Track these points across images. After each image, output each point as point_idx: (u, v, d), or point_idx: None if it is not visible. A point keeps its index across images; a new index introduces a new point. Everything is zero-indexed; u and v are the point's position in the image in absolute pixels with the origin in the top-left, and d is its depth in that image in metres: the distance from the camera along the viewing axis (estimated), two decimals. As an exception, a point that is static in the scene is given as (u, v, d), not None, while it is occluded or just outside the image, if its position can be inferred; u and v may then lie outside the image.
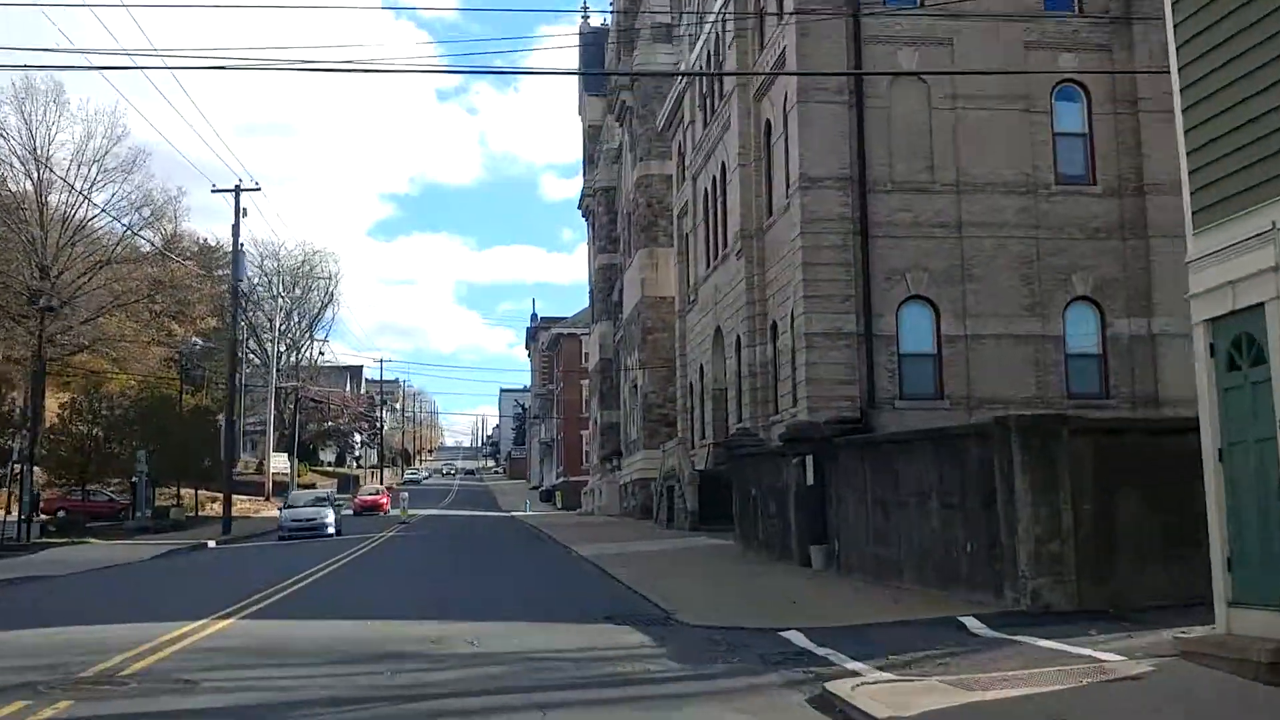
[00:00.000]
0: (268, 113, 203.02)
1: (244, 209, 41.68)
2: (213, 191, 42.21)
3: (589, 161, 64.51)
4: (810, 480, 18.41)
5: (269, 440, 67.30)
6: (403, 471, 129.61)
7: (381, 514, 54.66)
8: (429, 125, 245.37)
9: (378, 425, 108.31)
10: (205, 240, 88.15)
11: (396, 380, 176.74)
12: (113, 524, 45.78)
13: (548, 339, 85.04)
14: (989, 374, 26.51)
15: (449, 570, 22.86)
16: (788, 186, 28.01)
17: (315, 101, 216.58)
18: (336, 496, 58.51)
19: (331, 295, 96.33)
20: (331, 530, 39.10)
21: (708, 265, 36.25)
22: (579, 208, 67.19)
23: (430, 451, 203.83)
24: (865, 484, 16.56)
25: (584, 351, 79.47)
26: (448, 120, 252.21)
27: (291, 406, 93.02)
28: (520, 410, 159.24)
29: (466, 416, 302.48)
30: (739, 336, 31.75)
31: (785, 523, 19.66)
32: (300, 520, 39.83)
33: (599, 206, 61.86)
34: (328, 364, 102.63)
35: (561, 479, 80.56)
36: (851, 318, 26.22)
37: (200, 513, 54.96)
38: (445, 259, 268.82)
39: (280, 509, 42.01)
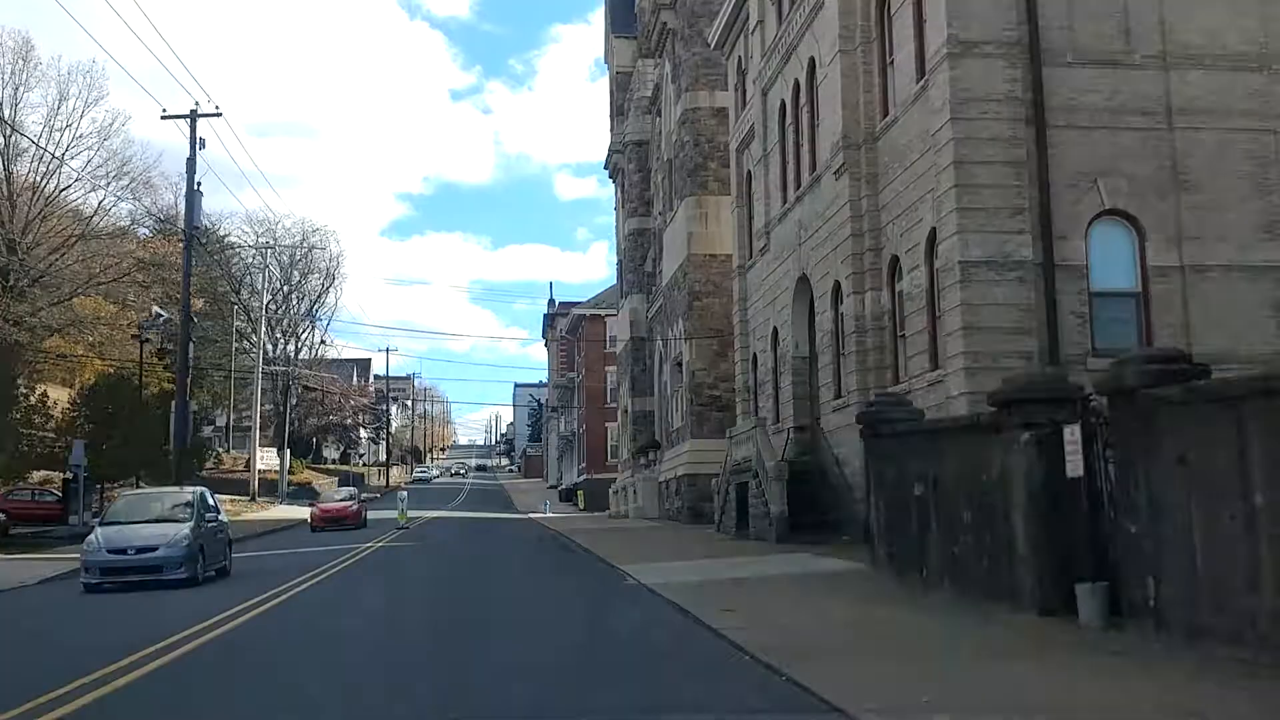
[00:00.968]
0: (283, 113, 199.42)
1: (202, 140, 33.81)
2: (162, 118, 33.11)
3: (616, 114, 56.65)
4: (1074, 470, 10.49)
5: (254, 432, 59.66)
6: (411, 469, 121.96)
7: (350, 525, 41.81)
8: (442, 125, 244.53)
9: (384, 419, 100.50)
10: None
11: (409, 377, 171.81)
12: (51, 529, 38.20)
13: (567, 323, 77.21)
14: (1216, 319, 18.57)
15: (435, 632, 12.71)
16: (922, 64, 20.06)
17: (330, 102, 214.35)
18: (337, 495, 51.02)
19: (333, 277, 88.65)
20: (182, 571, 19.13)
21: (785, 200, 28.30)
22: (605, 167, 59.32)
23: (443, 450, 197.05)
24: (1231, 475, 8.62)
25: (608, 335, 71.65)
26: (461, 120, 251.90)
27: (290, 397, 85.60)
28: (536, 406, 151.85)
29: (480, 415, 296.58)
30: (838, 283, 23.81)
31: (1000, 541, 11.75)
32: (122, 551, 19.26)
33: (629, 164, 53.98)
34: (334, 358, 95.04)
35: (584, 477, 72.70)
36: (1023, 240, 18.29)
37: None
38: (459, 259, 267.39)
39: (96, 524, 21.96)
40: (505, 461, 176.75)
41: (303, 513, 53.43)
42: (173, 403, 34.90)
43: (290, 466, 72.76)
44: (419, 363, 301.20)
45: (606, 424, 71.19)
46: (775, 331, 28.87)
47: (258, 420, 58.46)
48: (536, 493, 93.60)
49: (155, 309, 38.60)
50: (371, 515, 51.94)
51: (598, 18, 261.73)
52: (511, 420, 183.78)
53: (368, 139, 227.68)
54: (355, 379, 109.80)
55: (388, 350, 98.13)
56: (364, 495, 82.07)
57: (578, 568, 22.22)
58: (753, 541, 24.40)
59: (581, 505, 68.88)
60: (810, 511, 23.29)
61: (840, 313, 24.03)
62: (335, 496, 47.54)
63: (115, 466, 38.61)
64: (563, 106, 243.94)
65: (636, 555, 22.50)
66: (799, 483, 23.68)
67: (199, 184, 32.40)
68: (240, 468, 71.03)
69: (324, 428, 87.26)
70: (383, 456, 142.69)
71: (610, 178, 59.26)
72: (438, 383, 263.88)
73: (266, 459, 70.77)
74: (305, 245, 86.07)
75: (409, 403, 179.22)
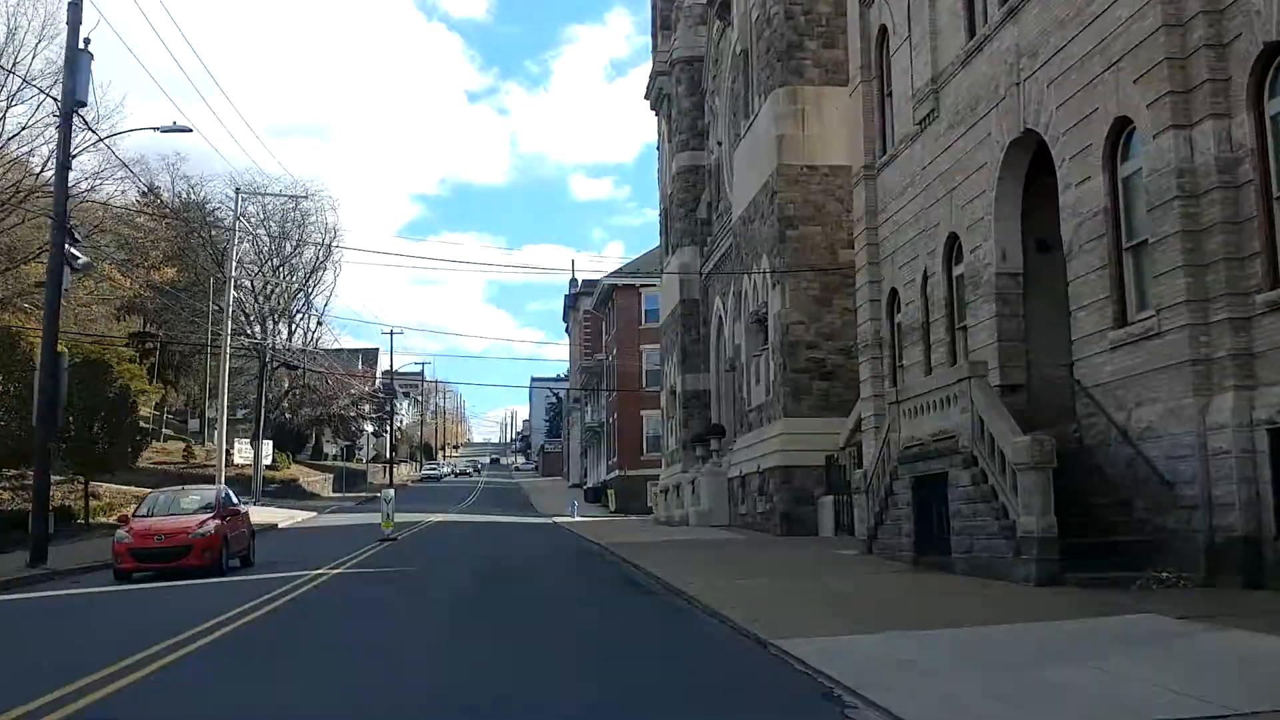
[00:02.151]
0: (301, 115, 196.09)
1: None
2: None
3: (661, 29, 46.35)
4: None
5: (221, 419, 49.51)
6: (420, 466, 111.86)
7: (194, 566, 19.84)
8: (459, 127, 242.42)
9: (387, 410, 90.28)
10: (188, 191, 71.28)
11: (421, 371, 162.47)
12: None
13: (594, 297, 66.85)
14: None
15: None
16: None
17: (347, 104, 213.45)
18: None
19: (330, 251, 78.47)
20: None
21: (973, 33, 17.96)
22: (646, 98, 48.99)
23: (456, 447, 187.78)
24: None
25: (643, 308, 61.42)
26: (478, 121, 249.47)
27: (285, 383, 75.60)
28: (554, 400, 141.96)
29: (495, 415, 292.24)
30: (1121, 122, 13.47)
31: None
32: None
33: (677, 87, 43.64)
34: (336, 348, 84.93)
35: (615, 473, 62.42)
36: None
37: (106, 518, 37.41)
38: (475, 258, 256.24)
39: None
40: (521, 460, 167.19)
41: (278, 516, 43.43)
42: (145, 388, 24.56)
43: (274, 461, 62.66)
44: (433, 362, 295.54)
45: (642, 411, 60.93)
46: (956, 245, 18.48)
47: (224, 404, 48.47)
48: (557, 492, 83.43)
49: (79, 257, 28.37)
50: (355, 520, 41.53)
51: (614, 18, 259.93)
52: (528, 417, 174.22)
53: (385, 140, 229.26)
54: (361, 368, 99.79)
55: (392, 332, 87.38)
56: (365, 494, 72.26)
57: (687, 640, 11.45)
58: (962, 578, 13.96)
59: (612, 506, 58.70)
60: (1083, 526, 12.93)
61: (1123, 178, 13.68)
62: (181, 502, 22.57)
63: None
64: (579, 107, 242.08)
65: (771, 597, 12.18)
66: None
67: (87, 41, 22.17)
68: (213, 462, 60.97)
69: (319, 419, 77.24)
70: (390, 453, 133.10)
71: (652, 109, 48.96)
72: (453, 386, 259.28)
73: (246, 453, 60.71)
74: (295, 207, 75.94)
75: (420, 398, 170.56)
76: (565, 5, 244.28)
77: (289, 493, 59.93)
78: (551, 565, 21.95)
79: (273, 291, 76.56)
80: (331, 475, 72.95)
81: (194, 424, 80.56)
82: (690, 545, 25.29)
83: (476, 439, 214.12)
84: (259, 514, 45.27)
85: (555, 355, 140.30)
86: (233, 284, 48.18)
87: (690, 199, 42.99)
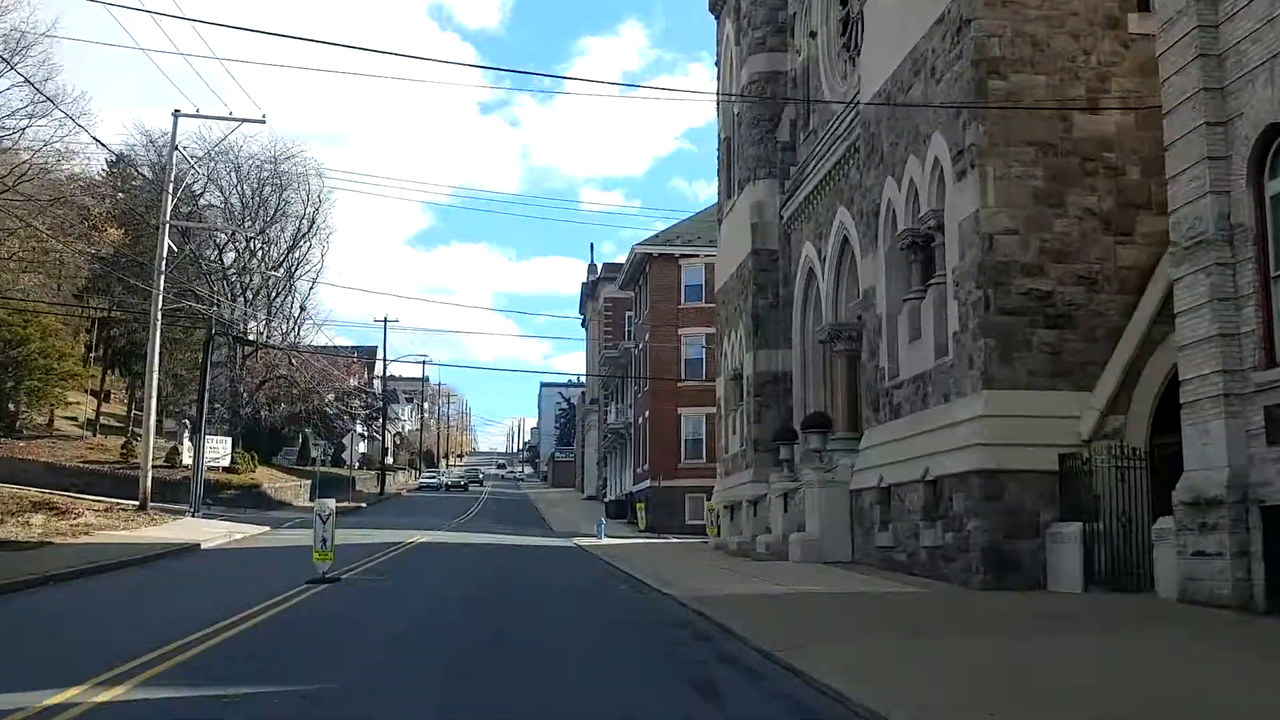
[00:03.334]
0: (315, 124, 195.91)
1: None
2: None
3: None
4: None
5: (149, 405, 38.51)
6: (418, 474, 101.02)
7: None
8: (471, 138, 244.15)
9: (379, 409, 79.30)
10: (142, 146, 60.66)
11: (424, 373, 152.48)
12: None
13: (623, 274, 55.69)
14: None
15: None
16: None
17: (361, 113, 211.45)
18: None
19: (314, 224, 67.78)
20: None
21: None
22: (705, -1, 38.07)
23: (460, 456, 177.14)
24: None
25: (684, 282, 50.60)
26: (490, 133, 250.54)
27: (257, 372, 64.67)
28: (567, 406, 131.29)
29: (502, 426, 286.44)
30: None
31: None
32: None
33: (751, -27, 32.85)
34: (327, 344, 74.12)
35: (646, 484, 51.47)
36: None
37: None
38: (484, 269, 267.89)
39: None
40: (529, 470, 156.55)
41: (212, 532, 32.64)
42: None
43: (233, 462, 51.81)
44: (438, 370, 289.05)
45: (680, 409, 50.02)
46: None
47: (153, 385, 37.47)
48: (571, 504, 72.53)
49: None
50: (310, 541, 30.18)
51: (627, 29, 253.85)
52: (536, 424, 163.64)
53: (397, 150, 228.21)
54: (353, 363, 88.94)
55: (385, 321, 76.62)
56: (351, 503, 61.31)
57: None
58: None
59: (643, 524, 47.81)
60: None
61: None
62: None
63: None
64: (590, 120, 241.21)
65: None
66: None
67: None
68: (160, 460, 49.99)
69: (297, 417, 66.40)
70: (389, 459, 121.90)
71: (712, 10, 38.05)
72: (458, 391, 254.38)
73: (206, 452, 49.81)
74: (274, 172, 65.29)
75: (421, 401, 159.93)
76: (578, 16, 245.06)
77: (249, 500, 49.10)
78: (623, 670, 10.81)
79: (245, 267, 65.96)
80: (309, 481, 62.02)
81: (169, 423, 69.53)
82: (845, 605, 14.26)
83: (483, 448, 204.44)
84: (185, 529, 34.52)
85: (565, 366, 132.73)
86: (166, 231, 37.29)
87: (766, 117, 32.10)
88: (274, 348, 58.45)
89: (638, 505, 48.80)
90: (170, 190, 37.70)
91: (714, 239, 51.04)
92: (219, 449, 50.42)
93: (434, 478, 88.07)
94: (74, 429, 58.00)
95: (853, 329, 25.17)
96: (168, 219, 37.74)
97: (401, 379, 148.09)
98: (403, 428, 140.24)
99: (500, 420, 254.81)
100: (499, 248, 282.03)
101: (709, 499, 36.30)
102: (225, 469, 50.82)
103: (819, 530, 21.70)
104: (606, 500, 66.72)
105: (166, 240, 37.49)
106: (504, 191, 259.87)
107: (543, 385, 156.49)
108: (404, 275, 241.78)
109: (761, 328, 31.59)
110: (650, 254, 50.99)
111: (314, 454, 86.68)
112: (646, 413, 52.17)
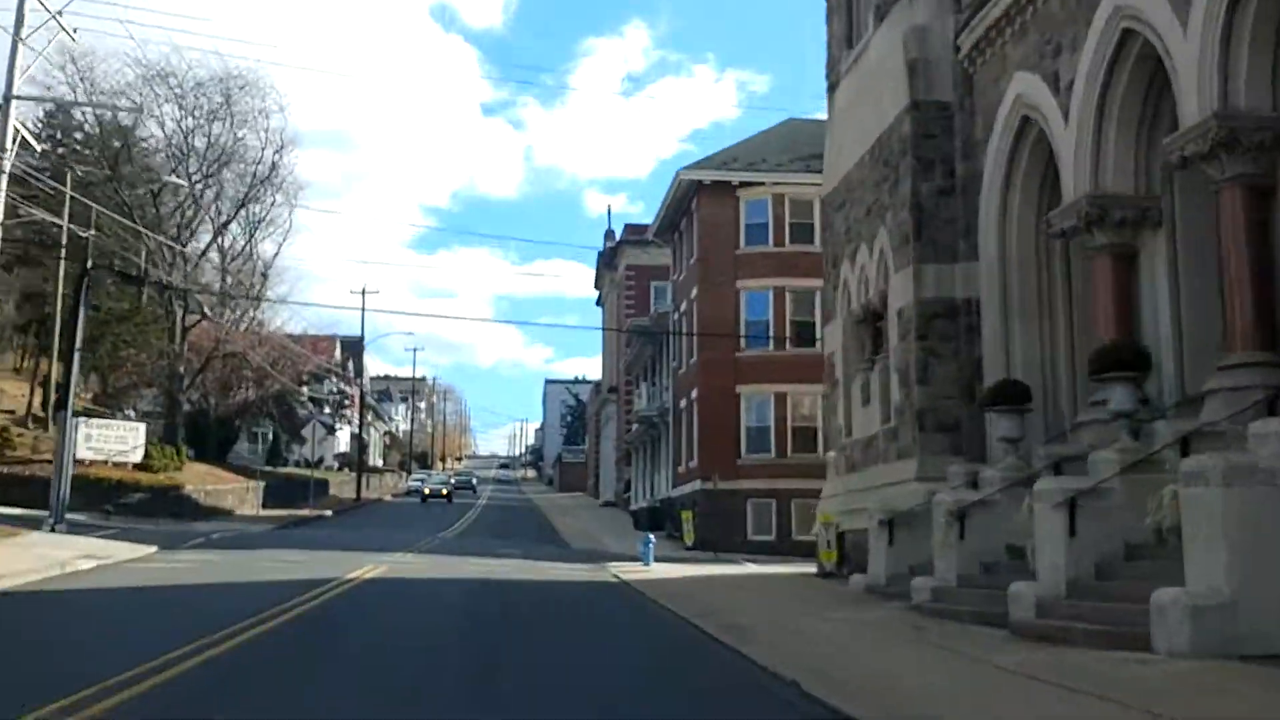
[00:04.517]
0: (317, 125, 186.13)
1: None
2: None
3: None
4: None
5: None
6: (405, 477, 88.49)
7: None
8: (473, 140, 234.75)
9: (337, 392, 66.70)
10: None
11: (424, 379, 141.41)
12: None
13: (664, 211, 42.66)
14: None
15: None
16: None
17: (362, 114, 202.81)
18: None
19: (274, 168, 55.34)
20: None
21: None
22: None
23: (459, 459, 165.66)
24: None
25: (742, 223, 38.24)
26: (492, 135, 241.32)
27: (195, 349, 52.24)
28: (575, 403, 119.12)
29: (503, 431, 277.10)
30: None
31: None
32: None
33: None
34: (301, 333, 61.59)
35: (693, 487, 39.03)
36: None
37: None
38: (485, 273, 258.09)
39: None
40: (532, 473, 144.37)
41: (56, 557, 20.20)
42: None
43: (148, 456, 39.34)
44: (436, 371, 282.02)
45: (739, 387, 37.62)
46: None
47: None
48: (585, 512, 60.13)
49: None
50: (207, 578, 16.82)
51: (631, 30, 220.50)
52: (540, 426, 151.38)
53: (399, 152, 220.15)
54: (341, 357, 76.36)
55: (364, 292, 64.47)
56: (313, 510, 48.54)
57: None
58: None
59: (689, 539, 35.49)
60: None
61: None
62: None
63: None
64: (595, 121, 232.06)
65: None
66: None
67: None
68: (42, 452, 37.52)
69: (246, 407, 53.98)
70: (378, 460, 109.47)
71: None
72: (457, 390, 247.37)
73: (115, 440, 37.54)
74: (226, 103, 53.03)
75: (414, 397, 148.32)
76: (582, 17, 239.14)
77: (166, 507, 36.67)
78: None
79: (187, 219, 53.65)
80: (261, 484, 49.66)
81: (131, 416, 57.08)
82: None
83: (483, 451, 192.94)
84: (8, 551, 22.24)
85: (568, 370, 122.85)
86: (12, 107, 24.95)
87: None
88: (208, 300, 45.87)
89: (682, 515, 36.43)
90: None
91: (783, 161, 38.76)
92: (127, 439, 38.14)
93: (418, 481, 75.42)
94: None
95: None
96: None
97: (397, 378, 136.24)
98: (395, 427, 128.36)
99: (501, 425, 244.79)
100: (501, 251, 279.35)
101: (818, 508, 23.94)
102: (137, 465, 38.49)
103: (1236, 579, 9.30)
104: (633, 508, 54.34)
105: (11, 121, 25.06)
106: (505, 196, 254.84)
107: (548, 382, 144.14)
108: (402, 278, 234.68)
109: (927, 226, 19.25)
110: (699, 182, 38.50)
111: (287, 453, 74.68)
112: (693, 393, 39.71)
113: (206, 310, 52.80)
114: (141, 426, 39.86)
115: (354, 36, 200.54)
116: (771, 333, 37.34)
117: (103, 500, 35.60)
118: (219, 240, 56.55)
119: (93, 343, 49.49)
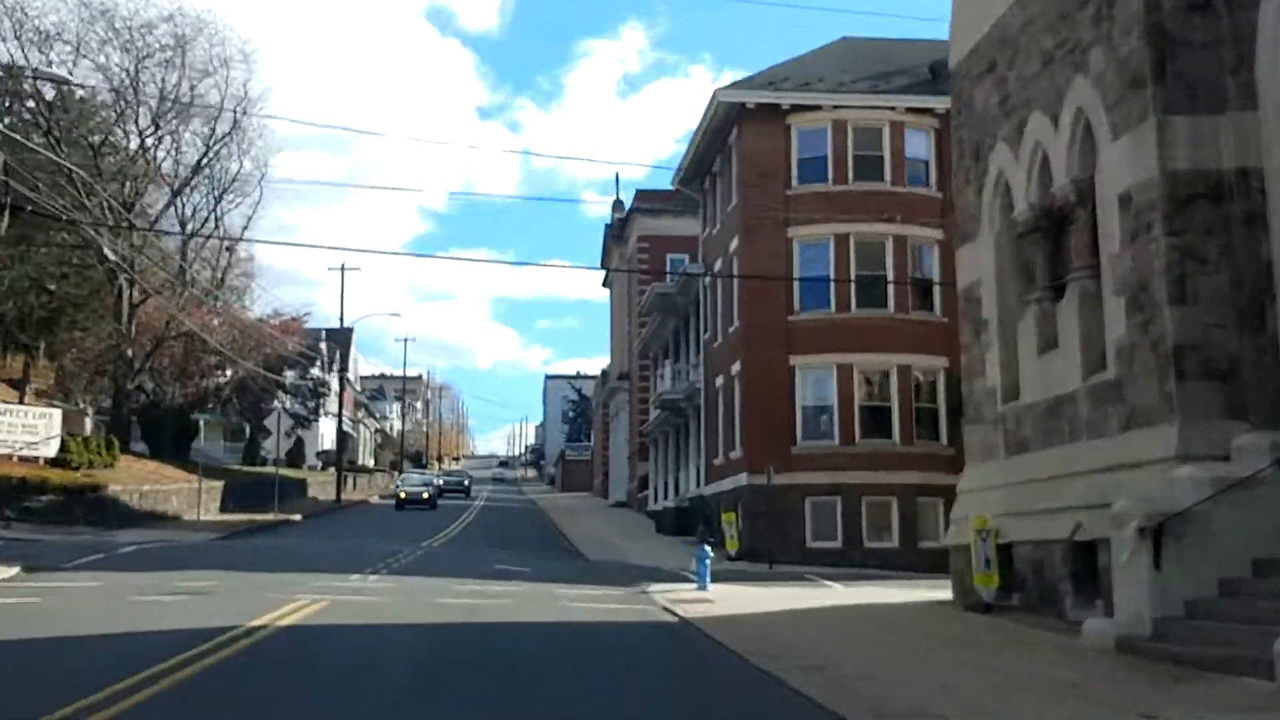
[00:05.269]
0: (315, 128, 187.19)
1: None
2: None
3: None
4: None
5: None
6: (396, 477, 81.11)
7: None
8: (470, 142, 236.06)
9: (312, 379, 59.27)
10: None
11: (419, 376, 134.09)
12: None
13: (696, 146, 34.86)
14: None
15: None
16: None
17: (359, 118, 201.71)
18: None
19: (235, 122, 48.03)
20: None
21: None
22: None
23: (455, 459, 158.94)
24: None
25: (794, 156, 30.98)
26: (489, 137, 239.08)
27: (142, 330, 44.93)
28: (578, 397, 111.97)
29: (502, 432, 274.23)
30: None
31: None
32: None
33: None
34: (277, 316, 54.17)
35: (733, 481, 31.67)
36: None
37: None
38: (483, 275, 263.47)
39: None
40: (532, 473, 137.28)
41: None
42: None
43: (64, 450, 32.02)
44: (435, 366, 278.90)
45: (794, 357, 30.31)
46: None
47: None
48: (596, 514, 52.88)
49: None
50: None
51: (627, 31, 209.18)
52: (540, 423, 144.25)
53: (395, 155, 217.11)
54: (326, 349, 68.73)
55: (343, 269, 56.80)
56: (281, 515, 40.68)
57: None
58: None
59: (733, 547, 28.30)
60: None
61: None
62: None
63: None
64: (591, 123, 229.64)
65: None
66: None
67: None
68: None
69: (201, 397, 46.64)
70: (369, 460, 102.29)
71: None
72: (454, 387, 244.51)
73: (13, 428, 30.35)
74: (180, 49, 45.88)
75: (419, 404, 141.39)
76: (578, 19, 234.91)
77: (82, 512, 29.40)
78: None
79: (138, 179, 46.32)
80: (220, 483, 42.41)
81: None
82: None
83: (482, 451, 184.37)
84: None
85: (568, 370, 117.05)
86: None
87: None
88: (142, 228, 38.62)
89: (724, 517, 29.18)
90: None
91: (844, 80, 31.58)
92: (38, 428, 30.90)
93: (407, 483, 67.83)
94: None
95: None
96: None
97: (391, 377, 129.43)
98: (390, 426, 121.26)
99: (501, 426, 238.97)
100: (499, 253, 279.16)
101: (956, 508, 16.68)
102: (51, 461, 31.25)
103: None
104: (651, 509, 47.13)
105: None
106: (503, 194, 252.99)
107: (548, 377, 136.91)
108: (399, 281, 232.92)
109: (1173, 58, 12.02)
110: (740, 106, 31.04)
111: (265, 454, 67.51)
112: (733, 368, 32.45)
113: (166, 284, 45.64)
114: (56, 413, 32.62)
115: (350, 41, 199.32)
116: (833, 291, 30.13)
117: (2, 504, 28.42)
118: (178, 208, 49.40)
119: (47, 327, 42.63)
